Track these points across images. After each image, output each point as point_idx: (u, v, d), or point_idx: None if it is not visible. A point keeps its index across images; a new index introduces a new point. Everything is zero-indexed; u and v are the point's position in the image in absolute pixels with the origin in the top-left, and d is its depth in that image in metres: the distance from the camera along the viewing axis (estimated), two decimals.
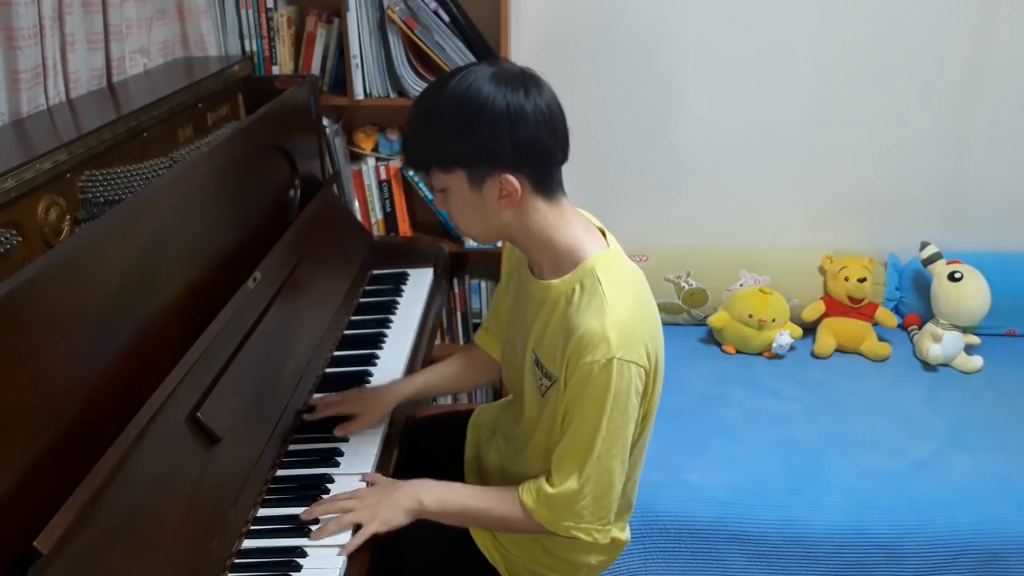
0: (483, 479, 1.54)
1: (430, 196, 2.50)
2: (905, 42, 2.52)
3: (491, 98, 1.19)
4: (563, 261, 1.29)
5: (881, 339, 2.57)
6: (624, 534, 1.51)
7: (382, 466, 1.50)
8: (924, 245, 2.61)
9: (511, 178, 1.22)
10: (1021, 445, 2.13)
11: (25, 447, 1.00)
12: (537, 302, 1.33)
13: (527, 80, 1.23)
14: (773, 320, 2.52)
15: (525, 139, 1.21)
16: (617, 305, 1.22)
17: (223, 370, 1.35)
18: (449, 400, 2.82)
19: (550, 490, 1.28)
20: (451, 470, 1.58)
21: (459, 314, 2.70)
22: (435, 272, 2.21)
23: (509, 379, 1.50)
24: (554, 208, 1.28)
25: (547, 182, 1.27)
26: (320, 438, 1.53)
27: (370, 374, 1.74)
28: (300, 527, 1.32)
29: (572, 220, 1.31)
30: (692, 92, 2.62)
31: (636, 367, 1.22)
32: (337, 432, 1.53)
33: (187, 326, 1.34)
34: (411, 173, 2.48)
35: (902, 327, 2.66)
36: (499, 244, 2.51)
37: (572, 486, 1.26)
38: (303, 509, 1.36)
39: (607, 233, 1.36)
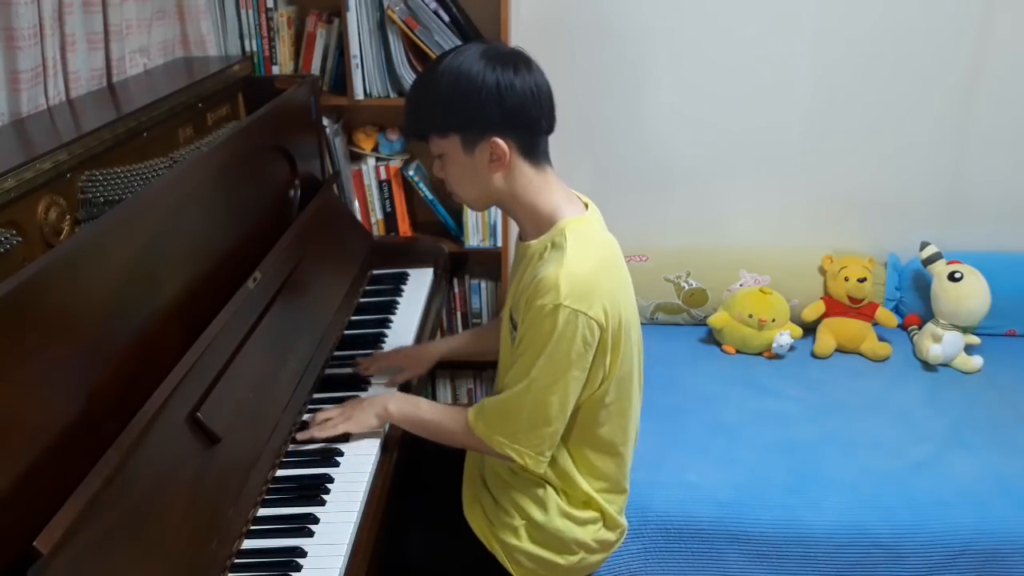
0: (483, 474, 1.55)
1: (430, 196, 2.51)
2: (905, 43, 2.52)
3: (482, 71, 1.31)
4: (543, 223, 1.40)
5: (881, 339, 2.57)
6: (621, 518, 1.55)
7: (382, 467, 1.50)
8: (924, 245, 2.61)
9: (500, 141, 1.33)
10: (1021, 445, 2.13)
11: (25, 447, 1.00)
12: (518, 262, 1.45)
13: (517, 58, 1.34)
14: (773, 320, 2.52)
15: (512, 106, 1.32)
16: (576, 260, 1.31)
17: (223, 370, 1.35)
18: (450, 400, 2.83)
19: (487, 401, 1.41)
20: (453, 473, 1.58)
21: (459, 314, 2.70)
22: (435, 272, 2.21)
23: (500, 342, 1.55)
24: (540, 174, 1.40)
25: (533, 148, 1.38)
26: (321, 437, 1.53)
27: (371, 374, 1.74)
28: (300, 527, 1.33)
29: (555, 188, 1.42)
30: (693, 93, 2.62)
31: (585, 318, 1.29)
32: (389, 383, 1.72)
33: (187, 326, 1.35)
34: (411, 173, 2.48)
35: (902, 327, 2.66)
36: (500, 244, 2.51)
37: (505, 399, 1.37)
38: (303, 509, 1.36)
39: (590, 205, 1.45)
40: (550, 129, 1.39)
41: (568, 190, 1.45)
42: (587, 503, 1.49)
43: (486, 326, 1.86)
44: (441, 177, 1.43)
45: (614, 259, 1.41)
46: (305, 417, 1.59)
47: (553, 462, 1.43)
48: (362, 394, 1.68)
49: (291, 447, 1.52)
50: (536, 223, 1.41)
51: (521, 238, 1.46)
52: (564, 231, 1.35)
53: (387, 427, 1.58)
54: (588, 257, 1.33)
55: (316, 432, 1.52)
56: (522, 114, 1.33)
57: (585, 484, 1.47)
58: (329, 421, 1.53)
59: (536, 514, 1.46)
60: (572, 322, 1.29)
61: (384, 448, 1.54)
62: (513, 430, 1.38)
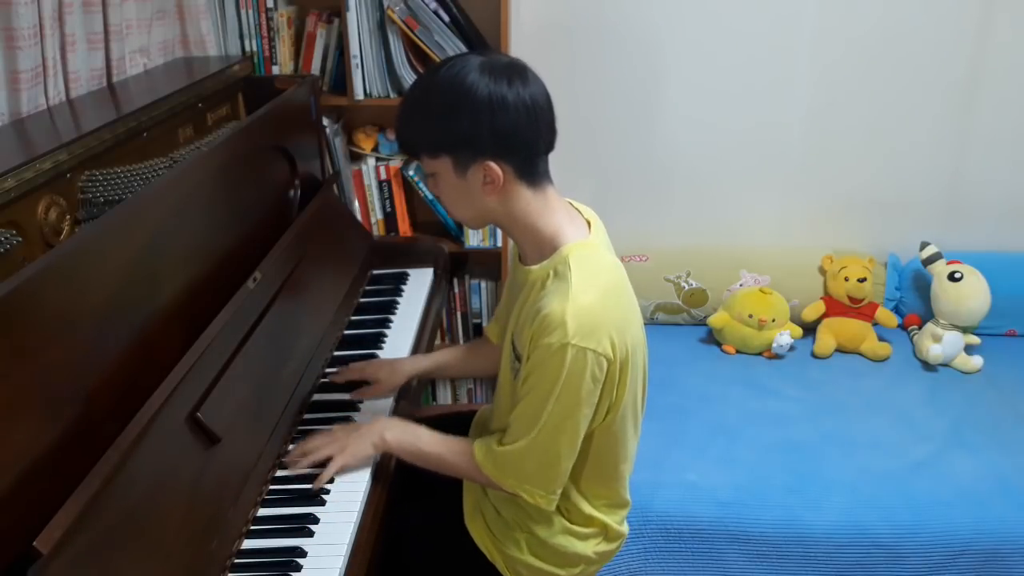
0: (485, 488, 1.54)
1: (430, 196, 2.50)
2: (905, 42, 2.52)
3: (474, 87, 1.23)
4: (544, 247, 1.34)
5: (881, 339, 2.57)
6: (623, 527, 1.54)
7: (383, 467, 1.50)
8: (924, 245, 2.61)
9: (493, 165, 1.27)
10: (1021, 445, 2.13)
11: (25, 447, 1.00)
12: (519, 287, 1.39)
13: (513, 71, 1.27)
14: (773, 320, 2.52)
15: (505, 127, 1.25)
16: (582, 292, 1.25)
17: (223, 370, 1.35)
18: (450, 401, 2.83)
19: (498, 448, 1.35)
20: (454, 480, 1.57)
21: (459, 314, 2.70)
22: (435, 272, 2.21)
23: (501, 366, 1.52)
24: (539, 196, 1.32)
25: (531, 170, 1.30)
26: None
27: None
28: (300, 527, 1.33)
29: (556, 208, 1.35)
30: (693, 93, 2.62)
31: (594, 354, 1.24)
32: (353, 396, 1.65)
33: (187, 326, 1.34)
34: (411, 173, 2.48)
35: (902, 327, 2.66)
36: (500, 244, 2.51)
37: (517, 449, 1.32)
38: (303, 509, 1.36)
39: (593, 224, 1.39)
40: (549, 148, 1.32)
41: (570, 208, 1.39)
42: (590, 520, 1.47)
43: (472, 345, 1.77)
44: (434, 193, 1.37)
45: (619, 285, 1.34)
46: (291, 446, 1.51)
47: None
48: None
49: (291, 447, 1.51)
50: (537, 247, 1.34)
51: (521, 260, 1.41)
52: (567, 259, 1.29)
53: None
54: (593, 288, 1.26)
55: (304, 464, 1.44)
56: (515, 138, 1.26)
57: (588, 505, 1.46)
58: (320, 452, 1.44)
59: (538, 530, 1.45)
60: (581, 360, 1.24)
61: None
62: (524, 473, 1.34)
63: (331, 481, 1.42)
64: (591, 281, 1.27)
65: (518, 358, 1.35)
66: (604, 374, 1.28)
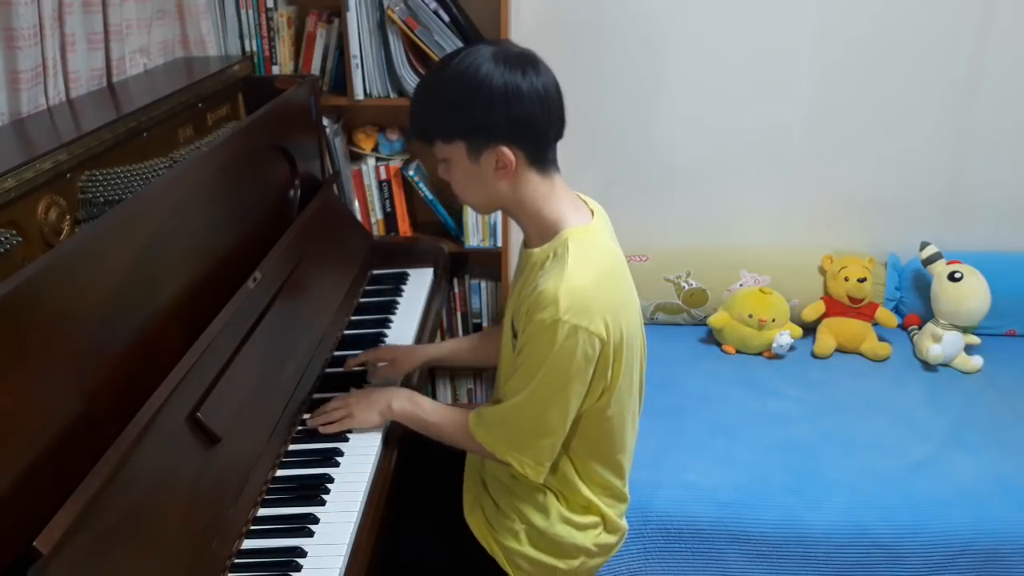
0: (484, 477, 1.55)
1: (430, 196, 2.51)
2: (905, 42, 2.53)
3: (489, 76, 1.27)
4: (547, 231, 1.38)
5: (881, 339, 2.57)
6: (622, 521, 1.55)
7: (382, 467, 1.50)
8: (924, 245, 2.61)
9: (506, 151, 1.31)
10: (1021, 445, 2.13)
11: (25, 447, 1.00)
12: (521, 268, 1.43)
13: (526, 60, 1.31)
14: (773, 320, 2.52)
15: (520, 115, 1.29)
16: (576, 273, 1.29)
17: (223, 370, 1.35)
18: (450, 400, 2.83)
19: (488, 408, 1.42)
20: (454, 475, 1.58)
21: (459, 314, 2.70)
22: (435, 272, 2.21)
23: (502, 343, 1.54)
24: (546, 182, 1.37)
25: (541, 157, 1.35)
26: (320, 438, 1.54)
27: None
28: (300, 527, 1.33)
29: (562, 195, 1.39)
30: (692, 93, 2.62)
31: (586, 332, 1.27)
32: (372, 379, 1.71)
33: (187, 326, 1.35)
34: (411, 173, 2.48)
35: (902, 327, 2.66)
36: (499, 244, 2.51)
37: (505, 408, 1.37)
38: (303, 509, 1.36)
39: (596, 212, 1.43)
40: (558, 136, 1.37)
41: (575, 197, 1.43)
42: (587, 508, 1.49)
43: (484, 334, 1.83)
44: (445, 179, 1.41)
45: (616, 271, 1.38)
46: (306, 417, 1.59)
47: (554, 468, 1.43)
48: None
49: (291, 447, 1.52)
50: (540, 231, 1.39)
51: (525, 244, 1.44)
52: (567, 242, 1.33)
53: (388, 424, 1.58)
54: (589, 270, 1.30)
55: (321, 427, 1.54)
56: (530, 123, 1.30)
57: (586, 489, 1.47)
58: (334, 414, 1.55)
59: (537, 520, 1.46)
60: (572, 337, 1.27)
61: (385, 445, 1.54)
62: (513, 438, 1.38)
63: (327, 491, 1.42)
64: (587, 263, 1.31)
65: (515, 334, 1.38)
66: (597, 353, 1.30)
